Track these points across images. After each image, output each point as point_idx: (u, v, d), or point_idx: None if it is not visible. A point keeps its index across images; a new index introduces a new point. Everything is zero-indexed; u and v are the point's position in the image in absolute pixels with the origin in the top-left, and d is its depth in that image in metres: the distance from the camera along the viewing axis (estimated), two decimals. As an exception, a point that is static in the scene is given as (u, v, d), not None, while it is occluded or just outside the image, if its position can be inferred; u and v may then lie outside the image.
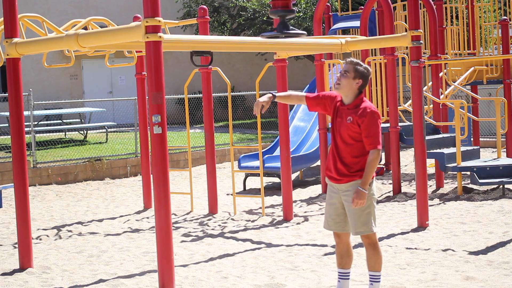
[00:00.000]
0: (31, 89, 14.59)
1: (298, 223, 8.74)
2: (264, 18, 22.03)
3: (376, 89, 11.26)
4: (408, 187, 11.32)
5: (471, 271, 6.11)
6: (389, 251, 7.01)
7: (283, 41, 7.60)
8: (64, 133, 17.56)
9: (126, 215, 9.89)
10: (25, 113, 12.28)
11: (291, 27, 5.88)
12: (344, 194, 5.13)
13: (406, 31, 9.57)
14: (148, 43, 5.62)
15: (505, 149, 13.06)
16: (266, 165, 11.46)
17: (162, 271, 5.68)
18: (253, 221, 9.04)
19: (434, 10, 11.70)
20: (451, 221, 8.47)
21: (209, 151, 9.90)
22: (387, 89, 10.94)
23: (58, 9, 22.73)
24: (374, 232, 5.13)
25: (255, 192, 11.49)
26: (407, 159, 15.09)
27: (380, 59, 11.20)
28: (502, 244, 7.12)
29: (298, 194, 11.21)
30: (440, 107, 11.54)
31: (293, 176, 12.53)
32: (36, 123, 15.38)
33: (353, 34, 14.55)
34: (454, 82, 12.70)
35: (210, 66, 9.22)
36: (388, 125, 10.86)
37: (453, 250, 6.95)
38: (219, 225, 8.87)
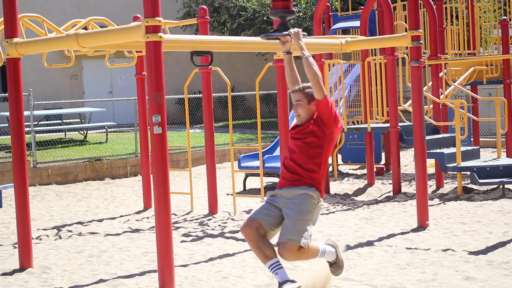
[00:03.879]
0: (31, 89, 14.59)
1: (298, 223, 8.72)
2: (264, 18, 22.03)
3: (376, 89, 11.27)
4: (408, 187, 11.32)
5: (471, 271, 6.11)
6: (389, 251, 7.01)
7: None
8: (64, 133, 17.56)
9: (126, 215, 9.89)
10: (25, 113, 12.28)
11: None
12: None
13: (406, 31, 9.56)
14: (148, 43, 5.62)
15: (505, 149, 13.06)
16: (266, 165, 11.46)
17: (162, 271, 5.68)
18: (253, 221, 9.03)
19: (434, 10, 11.70)
20: (451, 221, 8.47)
21: (209, 151, 9.90)
22: (387, 89, 10.94)
23: (58, 9, 22.73)
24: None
25: (255, 192, 11.49)
26: (407, 159, 15.10)
27: (380, 59, 11.21)
28: (502, 244, 7.12)
29: (298, 194, 11.19)
30: (440, 107, 11.54)
31: (293, 176, 12.50)
32: (36, 123, 15.38)
33: (353, 34, 14.56)
34: (454, 82, 12.71)
35: (210, 66, 9.22)
36: (388, 125, 10.86)
37: (453, 250, 6.95)
38: (219, 225, 8.87)
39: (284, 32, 5.51)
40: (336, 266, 5.36)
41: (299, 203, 5.00)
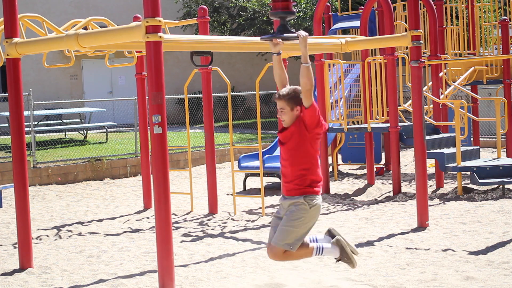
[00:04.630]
0: (31, 89, 14.59)
1: (298, 223, 8.72)
2: (264, 18, 22.03)
3: (376, 89, 11.27)
4: (408, 187, 11.32)
5: (471, 271, 6.11)
6: (389, 251, 7.01)
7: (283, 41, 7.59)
8: (64, 133, 17.56)
9: (126, 215, 9.89)
10: (25, 113, 12.28)
11: (291, 30, 5.87)
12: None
13: (406, 31, 9.57)
14: (148, 43, 5.62)
15: (505, 149, 13.07)
16: (266, 165, 11.46)
17: (162, 271, 5.68)
18: (253, 221, 9.05)
19: (434, 10, 11.70)
20: (451, 221, 8.47)
21: (209, 151, 9.90)
22: (387, 89, 10.94)
23: (58, 9, 22.73)
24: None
25: (255, 192, 11.49)
26: (407, 159, 15.10)
27: (380, 59, 11.21)
28: (502, 244, 7.13)
29: (298, 194, 11.18)
30: (440, 107, 11.54)
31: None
32: (36, 123, 15.38)
33: (353, 34, 14.56)
34: (454, 82, 12.71)
35: (210, 66, 9.22)
36: (388, 125, 10.86)
37: (453, 250, 6.95)
38: (219, 225, 8.87)
39: (292, 34, 5.51)
40: (344, 261, 5.37)
41: (290, 212, 5.16)
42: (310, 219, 5.15)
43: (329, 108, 11.19)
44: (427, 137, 10.21)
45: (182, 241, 7.91)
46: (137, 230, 8.73)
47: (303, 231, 5.15)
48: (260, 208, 9.78)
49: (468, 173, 10.79)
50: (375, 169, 12.16)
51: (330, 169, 13.05)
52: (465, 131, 11.06)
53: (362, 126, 11.25)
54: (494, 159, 11.15)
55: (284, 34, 5.70)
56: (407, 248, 7.13)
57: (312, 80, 5.10)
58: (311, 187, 5.15)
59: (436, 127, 11.52)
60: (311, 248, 5.27)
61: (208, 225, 8.90)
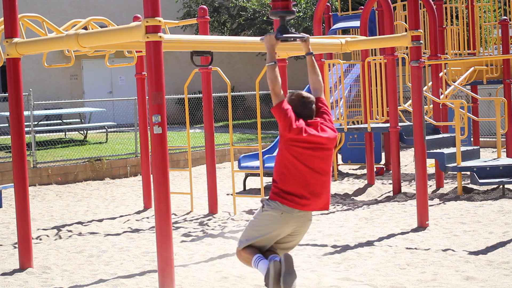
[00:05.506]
0: (31, 89, 14.59)
1: (298, 223, 8.72)
2: (264, 18, 22.03)
3: (376, 89, 11.27)
4: (408, 187, 11.32)
5: (471, 271, 6.11)
6: (389, 251, 7.01)
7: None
8: (64, 133, 17.56)
9: (126, 215, 9.89)
10: (25, 113, 12.28)
11: (292, 31, 5.85)
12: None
13: (406, 31, 9.57)
14: (148, 43, 5.62)
15: (505, 149, 13.07)
16: (266, 165, 11.46)
17: (162, 271, 5.68)
18: (253, 221, 9.04)
19: (434, 10, 11.70)
20: (451, 221, 8.47)
21: (209, 151, 9.90)
22: (387, 89, 10.95)
23: (58, 9, 22.73)
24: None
25: (255, 192, 11.49)
26: (407, 159, 15.10)
27: (380, 59, 11.21)
28: (502, 244, 7.12)
29: (298, 194, 11.18)
30: (440, 107, 11.54)
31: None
32: (36, 123, 15.38)
33: (353, 34, 14.56)
34: (454, 82, 12.71)
35: (210, 66, 9.22)
36: (388, 125, 10.86)
37: (453, 250, 6.95)
38: (219, 225, 8.87)
39: (303, 35, 5.53)
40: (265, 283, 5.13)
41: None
42: (260, 223, 5.10)
43: (329, 108, 11.18)
44: (427, 137, 10.21)
45: (182, 241, 7.91)
46: (137, 230, 8.73)
47: (253, 233, 5.13)
48: (260, 208, 9.77)
49: (468, 173, 10.79)
50: (375, 169, 12.16)
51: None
52: (465, 131, 11.06)
53: (362, 126, 11.26)
54: (494, 159, 11.15)
55: (290, 35, 5.68)
56: (407, 248, 7.13)
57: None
58: (273, 192, 5.16)
59: (436, 127, 11.52)
60: (248, 257, 5.17)
61: (208, 225, 8.90)
